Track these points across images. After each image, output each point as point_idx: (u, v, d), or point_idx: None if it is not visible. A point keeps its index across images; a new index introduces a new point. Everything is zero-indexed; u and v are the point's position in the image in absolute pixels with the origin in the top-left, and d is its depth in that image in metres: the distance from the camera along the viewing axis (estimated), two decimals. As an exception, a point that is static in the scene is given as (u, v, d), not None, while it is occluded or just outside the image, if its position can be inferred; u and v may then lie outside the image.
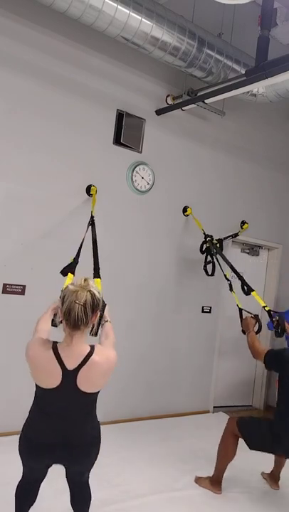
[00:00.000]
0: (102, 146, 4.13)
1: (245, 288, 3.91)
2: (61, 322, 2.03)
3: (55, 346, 1.90)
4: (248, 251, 5.54)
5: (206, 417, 4.85)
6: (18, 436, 2.03)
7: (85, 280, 1.94)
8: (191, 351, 4.86)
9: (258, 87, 4.12)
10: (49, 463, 2.04)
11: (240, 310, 3.73)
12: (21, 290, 3.69)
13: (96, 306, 1.91)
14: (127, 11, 3.38)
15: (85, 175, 4.01)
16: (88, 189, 3.99)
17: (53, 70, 3.80)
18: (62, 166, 3.88)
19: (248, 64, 4.03)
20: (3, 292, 3.61)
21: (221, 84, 3.95)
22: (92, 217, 3.60)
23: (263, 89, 4.32)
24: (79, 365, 1.87)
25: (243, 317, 3.57)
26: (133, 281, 4.36)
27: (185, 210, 4.71)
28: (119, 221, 4.26)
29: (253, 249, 5.57)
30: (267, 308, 3.70)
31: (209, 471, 3.19)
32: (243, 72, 3.80)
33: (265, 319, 3.75)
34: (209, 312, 5.00)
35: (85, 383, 1.88)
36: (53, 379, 1.87)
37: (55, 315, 2.19)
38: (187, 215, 4.72)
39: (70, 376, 1.87)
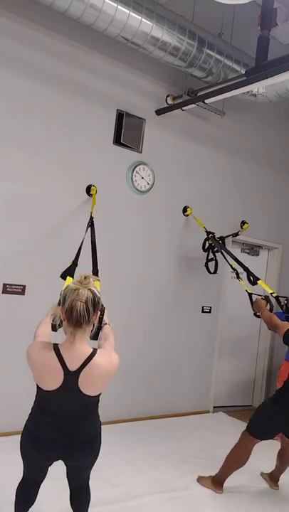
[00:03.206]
0: (102, 146, 4.13)
1: (252, 278, 3.95)
2: (61, 326, 2.03)
3: (56, 347, 1.90)
4: (248, 251, 5.54)
5: (206, 417, 4.84)
6: (19, 436, 2.03)
7: (85, 278, 1.93)
8: (191, 351, 4.86)
9: (258, 87, 4.12)
10: (51, 458, 2.04)
11: (250, 294, 3.77)
12: (21, 290, 3.69)
13: (97, 303, 1.91)
14: (127, 11, 3.38)
15: (85, 175, 4.01)
16: (88, 189, 3.99)
17: (53, 70, 3.80)
18: (62, 166, 3.88)
19: (248, 64, 4.03)
20: (3, 292, 3.61)
21: (221, 84, 3.95)
22: (91, 218, 3.59)
23: (263, 89, 4.32)
24: (81, 366, 1.87)
25: (254, 300, 3.62)
26: (133, 281, 4.36)
27: (185, 210, 4.71)
28: (119, 221, 4.26)
29: (253, 249, 5.57)
30: (274, 294, 3.74)
31: (209, 471, 3.19)
32: (243, 72, 3.80)
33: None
34: (209, 312, 5.00)
35: (86, 385, 1.88)
36: (54, 380, 1.86)
37: (54, 319, 2.17)
38: (187, 215, 4.72)
39: (71, 377, 1.86)
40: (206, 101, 4.14)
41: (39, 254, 3.77)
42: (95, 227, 3.53)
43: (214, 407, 5.09)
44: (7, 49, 3.57)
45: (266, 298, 3.53)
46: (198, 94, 4.33)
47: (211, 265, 4.56)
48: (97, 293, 1.92)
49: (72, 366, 1.86)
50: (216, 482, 3.09)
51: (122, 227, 4.29)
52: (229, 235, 4.93)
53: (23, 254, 3.70)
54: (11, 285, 3.65)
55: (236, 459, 3.02)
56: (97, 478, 2.30)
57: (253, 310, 3.58)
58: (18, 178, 3.68)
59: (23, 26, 3.62)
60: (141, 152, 4.38)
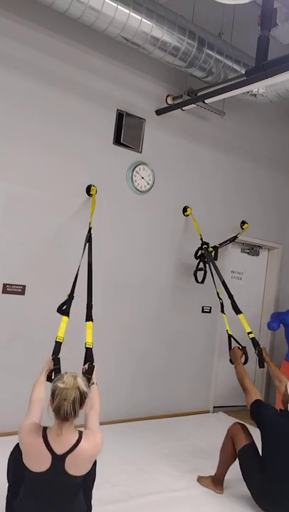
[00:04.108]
0: (102, 146, 4.13)
1: (234, 308, 3.76)
2: (52, 380, 2.19)
3: (44, 434, 2.00)
4: (248, 251, 5.54)
5: (206, 417, 4.84)
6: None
7: (74, 379, 2.04)
8: (191, 351, 4.86)
9: (258, 87, 4.12)
10: None
11: (230, 337, 3.67)
12: (21, 290, 3.69)
13: (84, 398, 2.05)
14: (127, 11, 3.38)
15: (85, 175, 4.01)
16: (88, 189, 3.99)
17: (53, 70, 3.80)
18: (62, 166, 3.88)
19: (248, 64, 4.03)
20: (3, 292, 3.61)
21: (221, 84, 3.95)
22: (89, 230, 3.52)
23: (263, 89, 4.31)
24: (67, 451, 1.98)
25: (232, 346, 3.55)
26: (133, 281, 4.36)
27: (185, 210, 4.71)
28: (119, 221, 4.26)
29: (253, 249, 5.57)
30: (251, 336, 3.57)
31: (209, 471, 3.19)
32: (243, 72, 3.80)
33: (248, 346, 3.57)
34: (209, 312, 4.99)
35: (73, 467, 1.98)
36: (42, 463, 1.96)
37: (49, 374, 2.47)
38: (187, 215, 4.72)
39: (58, 461, 1.96)
40: (206, 101, 4.14)
41: (39, 254, 3.77)
42: (95, 227, 3.52)
43: (214, 407, 5.09)
44: (7, 49, 3.57)
45: (243, 349, 3.44)
46: (198, 94, 4.33)
47: (200, 275, 4.54)
48: (84, 388, 2.05)
49: (59, 451, 1.97)
50: (216, 481, 3.09)
51: (122, 227, 4.29)
52: (226, 241, 4.85)
53: (23, 254, 3.70)
54: (11, 285, 3.65)
55: (228, 454, 3.02)
56: (97, 478, 2.30)
57: (229, 356, 3.51)
58: (19, 178, 3.68)
59: (23, 26, 3.62)
60: (141, 152, 4.38)
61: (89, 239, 3.45)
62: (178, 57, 3.78)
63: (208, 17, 4.06)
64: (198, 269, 4.58)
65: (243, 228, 5.15)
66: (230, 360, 3.49)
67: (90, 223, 3.62)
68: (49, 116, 3.80)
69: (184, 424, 4.49)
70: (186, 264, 4.72)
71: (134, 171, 4.31)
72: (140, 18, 3.45)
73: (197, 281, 4.54)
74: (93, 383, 2.43)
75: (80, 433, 2.05)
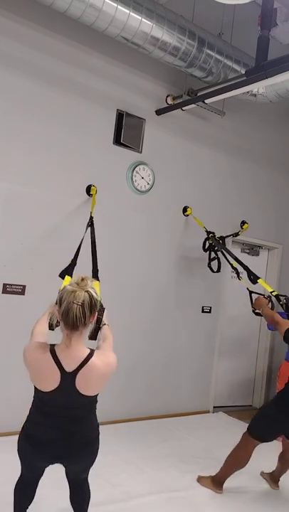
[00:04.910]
0: (102, 146, 4.13)
1: (252, 277, 3.96)
2: (58, 325, 2.02)
3: (52, 349, 1.89)
4: (248, 251, 5.54)
5: (206, 417, 4.84)
6: (18, 436, 2.03)
7: (83, 279, 1.92)
8: (191, 351, 4.86)
9: (258, 87, 4.12)
10: (49, 460, 2.03)
11: (250, 292, 3.82)
12: (21, 290, 3.69)
13: (94, 305, 1.89)
14: (127, 11, 3.38)
15: (85, 175, 4.01)
16: (88, 189, 3.99)
17: (53, 70, 3.80)
18: (62, 166, 3.88)
19: (248, 64, 4.03)
20: (3, 292, 3.61)
21: (221, 84, 3.95)
22: (91, 217, 3.60)
23: (263, 89, 4.32)
24: (78, 367, 1.86)
25: (254, 298, 3.65)
26: (133, 280, 4.36)
27: (185, 210, 4.71)
28: (119, 221, 4.26)
29: (253, 249, 5.57)
30: (274, 293, 3.74)
31: (209, 471, 3.19)
32: (243, 72, 3.80)
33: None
34: (209, 312, 4.99)
35: (83, 386, 1.87)
36: (51, 381, 1.86)
37: (51, 318, 2.16)
38: (187, 215, 4.71)
39: (68, 378, 1.86)
40: (206, 101, 4.14)
41: (39, 254, 3.77)
42: (95, 227, 3.53)
43: (214, 407, 5.09)
44: (7, 49, 3.57)
45: (268, 297, 3.56)
46: (198, 94, 4.33)
47: (214, 264, 4.55)
48: (95, 294, 1.91)
49: (69, 367, 1.86)
50: (216, 482, 3.09)
51: (122, 227, 4.29)
52: (229, 235, 4.93)
53: (23, 254, 3.70)
54: (11, 285, 3.65)
55: (237, 460, 3.01)
56: (97, 478, 2.30)
57: (253, 307, 3.61)
58: (18, 178, 3.68)
59: (23, 26, 3.62)
60: (141, 152, 4.38)
61: (91, 224, 3.51)
62: (178, 57, 3.78)
63: (208, 17, 4.06)
64: (211, 259, 4.57)
65: (242, 228, 5.15)
66: (254, 311, 3.62)
67: (90, 213, 3.64)
68: (49, 116, 3.80)
69: (184, 424, 4.49)
70: (186, 264, 4.72)
71: (134, 171, 4.31)
72: (140, 18, 3.45)
73: (213, 271, 4.55)
74: (104, 324, 2.29)
75: (92, 350, 1.92)
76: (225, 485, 3.08)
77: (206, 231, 4.54)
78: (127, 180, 4.30)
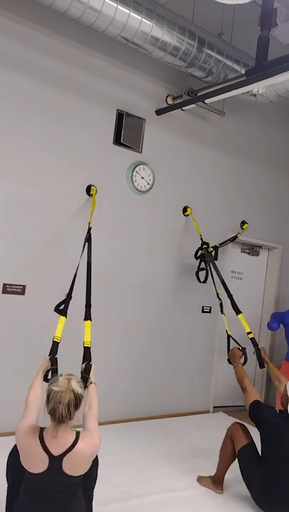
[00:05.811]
0: (102, 146, 4.13)
1: (234, 308, 3.78)
2: (48, 381, 2.18)
3: (41, 434, 1.99)
4: (248, 251, 5.54)
5: (206, 417, 4.84)
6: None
7: (68, 382, 2.02)
8: (191, 351, 4.86)
9: (258, 87, 4.12)
10: None
11: (229, 337, 3.70)
12: (21, 290, 3.69)
13: (79, 401, 2.02)
14: (127, 11, 3.38)
15: (85, 175, 4.01)
16: (88, 189, 3.99)
17: (53, 70, 3.80)
18: (62, 166, 3.88)
19: (248, 64, 4.03)
20: (3, 292, 3.61)
21: (221, 84, 3.95)
22: (89, 229, 3.53)
23: (263, 89, 4.31)
24: (64, 452, 1.96)
25: (231, 347, 3.56)
26: (133, 281, 4.36)
27: (185, 210, 4.71)
28: (119, 221, 4.26)
29: (253, 249, 5.57)
30: (250, 336, 3.59)
31: (209, 471, 3.20)
32: (243, 72, 3.80)
33: (247, 347, 3.59)
34: (209, 312, 4.99)
35: (70, 467, 1.97)
36: (40, 464, 1.95)
37: (45, 377, 2.46)
38: (187, 215, 4.71)
39: (56, 461, 1.95)
40: (206, 101, 4.14)
41: (39, 254, 3.77)
42: (94, 227, 3.52)
43: (214, 407, 5.10)
44: (7, 49, 3.57)
45: (243, 350, 3.45)
46: (198, 94, 4.33)
47: (202, 274, 4.53)
48: (80, 390, 2.03)
49: (56, 452, 1.96)
50: (216, 481, 3.09)
51: (122, 227, 4.29)
52: (226, 241, 4.87)
53: (23, 254, 3.70)
54: (11, 285, 3.65)
55: (228, 453, 3.02)
56: (97, 478, 2.30)
57: (228, 356, 3.52)
58: (19, 179, 3.68)
59: (23, 26, 3.62)
60: (141, 152, 4.38)
61: (88, 239, 3.45)
62: (178, 57, 3.78)
63: (208, 17, 4.06)
64: (199, 269, 4.57)
65: (243, 228, 5.15)
66: (228, 360, 3.51)
67: (89, 223, 3.62)
68: (49, 116, 3.80)
69: (184, 424, 4.49)
70: (186, 264, 4.72)
71: (134, 171, 4.31)
72: (140, 18, 3.45)
73: (199, 281, 4.54)
74: (91, 383, 2.42)
75: (78, 433, 2.03)
76: (225, 485, 3.08)
77: (201, 240, 4.51)
78: (127, 180, 4.30)
